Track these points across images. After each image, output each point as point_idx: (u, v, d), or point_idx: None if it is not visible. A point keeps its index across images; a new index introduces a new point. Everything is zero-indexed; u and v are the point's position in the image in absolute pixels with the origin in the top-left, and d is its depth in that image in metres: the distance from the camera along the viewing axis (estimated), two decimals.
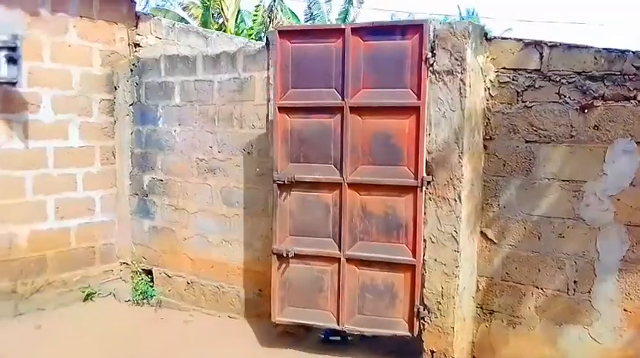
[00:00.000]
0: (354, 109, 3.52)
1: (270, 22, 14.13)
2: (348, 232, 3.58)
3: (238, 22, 14.19)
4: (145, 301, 4.97)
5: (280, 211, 3.74)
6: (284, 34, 3.71)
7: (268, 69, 4.11)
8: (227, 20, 13.36)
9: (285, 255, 3.67)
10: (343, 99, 3.52)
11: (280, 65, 3.65)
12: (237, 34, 12.88)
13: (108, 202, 5.18)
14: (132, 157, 5.14)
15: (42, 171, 4.65)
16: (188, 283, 4.78)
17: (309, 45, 3.61)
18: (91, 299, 5.00)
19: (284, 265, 3.75)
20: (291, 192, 3.71)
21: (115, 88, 5.17)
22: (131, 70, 5.06)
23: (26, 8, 4.45)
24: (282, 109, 3.70)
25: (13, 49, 4.13)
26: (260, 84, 4.21)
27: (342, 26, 3.62)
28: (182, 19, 12.99)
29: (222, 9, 13.32)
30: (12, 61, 4.13)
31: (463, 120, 3.18)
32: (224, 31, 12.47)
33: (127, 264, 5.24)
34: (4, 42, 4.12)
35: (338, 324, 3.64)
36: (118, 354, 3.88)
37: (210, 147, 4.54)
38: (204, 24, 12.67)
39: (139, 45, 5.28)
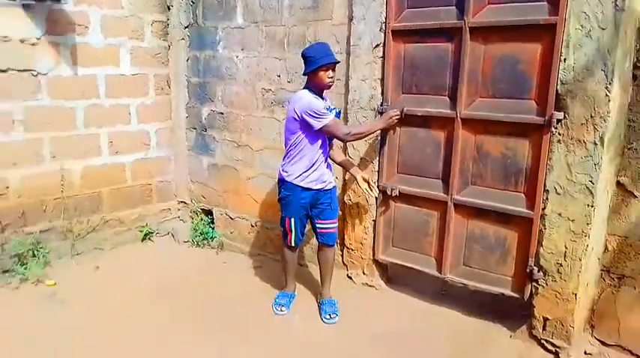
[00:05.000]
0: (475, 30, 2.94)
1: None
2: (459, 175, 3.13)
3: None
4: (205, 243, 4.65)
5: (389, 146, 3.45)
6: None
7: None
8: None
9: (389, 193, 3.42)
10: (462, 19, 2.94)
11: None
12: None
13: (163, 136, 4.77)
14: (188, 87, 4.65)
15: (93, 101, 4.22)
16: (252, 226, 4.40)
17: None
18: (149, 238, 4.73)
19: (389, 203, 3.52)
20: (401, 127, 3.36)
21: (169, 7, 4.59)
22: None
23: None
24: (396, 33, 3.26)
25: None
26: None
27: None
28: None
29: None
30: None
31: (617, 41, 2.48)
32: None
33: (186, 203, 4.90)
34: None
35: (440, 273, 3.29)
36: (180, 300, 3.57)
37: (279, 75, 3.97)
38: None
39: None
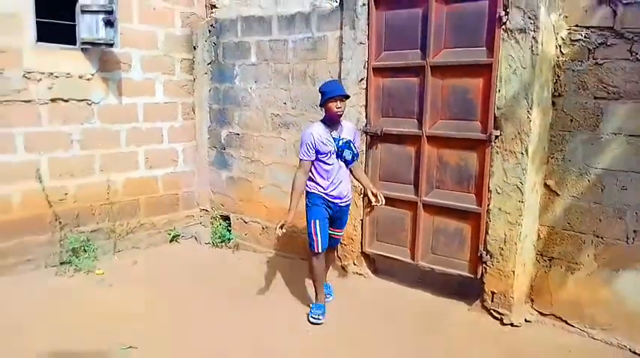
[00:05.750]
0: (435, 68, 3.82)
1: None
2: (426, 181, 3.97)
3: None
4: (223, 244, 5.47)
5: (372, 159, 4.30)
6: (379, 3, 4.07)
7: (341, 28, 4.32)
8: None
9: None
10: (425, 59, 3.82)
11: (376, 30, 4.11)
12: None
13: (189, 154, 5.67)
14: (210, 113, 5.55)
15: (133, 124, 5.14)
16: (263, 228, 5.23)
17: (401, 11, 3.99)
18: (176, 240, 5.58)
19: (373, 205, 4.01)
20: (381, 143, 4.22)
21: (194, 47, 5.53)
22: (209, 31, 5.40)
23: None
24: (376, 70, 4.15)
25: (110, 12, 4.53)
26: (333, 43, 4.44)
27: None
28: None
29: None
30: (109, 23, 4.55)
31: (533, 77, 3.34)
32: None
33: (207, 210, 5.74)
34: (102, 6, 4.52)
35: (413, 260, 4.10)
36: (204, 283, 4.40)
37: (285, 103, 4.86)
38: None
39: (214, 6, 5.59)
